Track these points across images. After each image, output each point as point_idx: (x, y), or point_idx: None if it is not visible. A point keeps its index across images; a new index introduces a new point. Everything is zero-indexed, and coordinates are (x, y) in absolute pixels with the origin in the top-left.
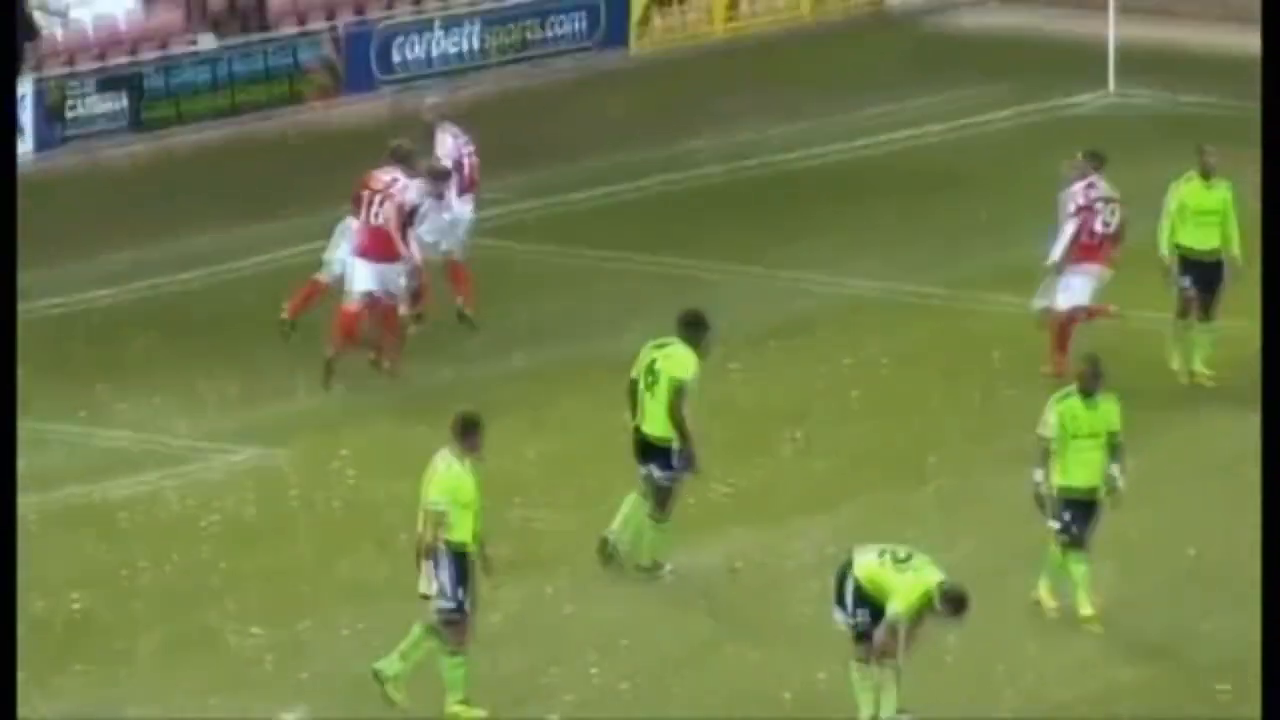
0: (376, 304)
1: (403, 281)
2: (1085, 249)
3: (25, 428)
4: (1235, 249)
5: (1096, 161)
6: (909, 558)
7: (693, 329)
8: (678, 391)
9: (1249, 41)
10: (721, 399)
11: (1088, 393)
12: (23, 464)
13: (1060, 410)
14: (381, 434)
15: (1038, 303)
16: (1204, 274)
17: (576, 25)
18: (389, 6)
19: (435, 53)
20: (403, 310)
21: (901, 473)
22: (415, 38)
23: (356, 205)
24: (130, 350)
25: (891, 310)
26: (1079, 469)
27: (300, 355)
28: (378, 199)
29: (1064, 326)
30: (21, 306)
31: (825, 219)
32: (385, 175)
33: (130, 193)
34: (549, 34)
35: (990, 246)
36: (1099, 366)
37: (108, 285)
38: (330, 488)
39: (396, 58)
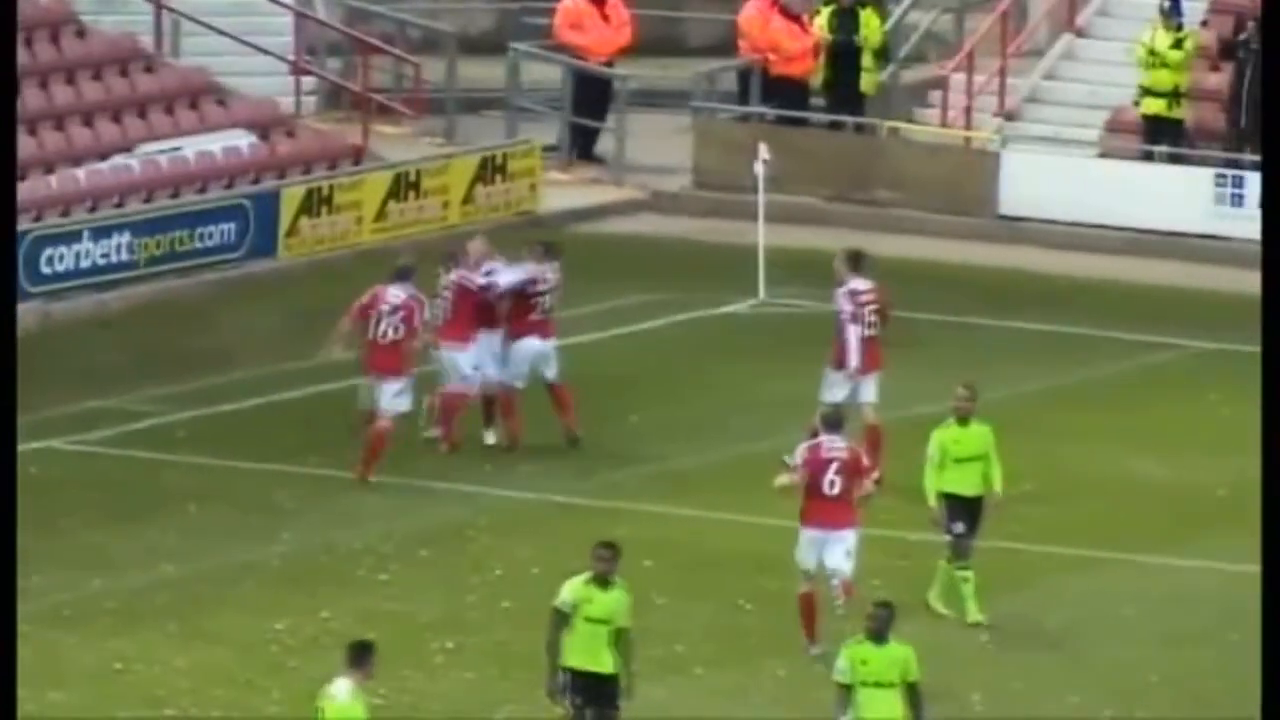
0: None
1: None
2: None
3: None
4: (997, 487)
5: (854, 263)
6: None
7: None
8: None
9: (899, 246)
10: (372, 609)
11: (878, 637)
12: None
13: (850, 655)
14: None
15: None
16: (972, 516)
17: (226, 234)
18: (37, 218)
19: (85, 262)
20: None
21: None
22: (64, 247)
23: (363, 319)
24: None
25: (545, 518)
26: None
27: None
28: (390, 315)
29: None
30: None
31: (478, 429)
32: (396, 292)
33: None
34: (199, 244)
35: (645, 453)
36: (890, 612)
37: None
38: None
39: (46, 268)
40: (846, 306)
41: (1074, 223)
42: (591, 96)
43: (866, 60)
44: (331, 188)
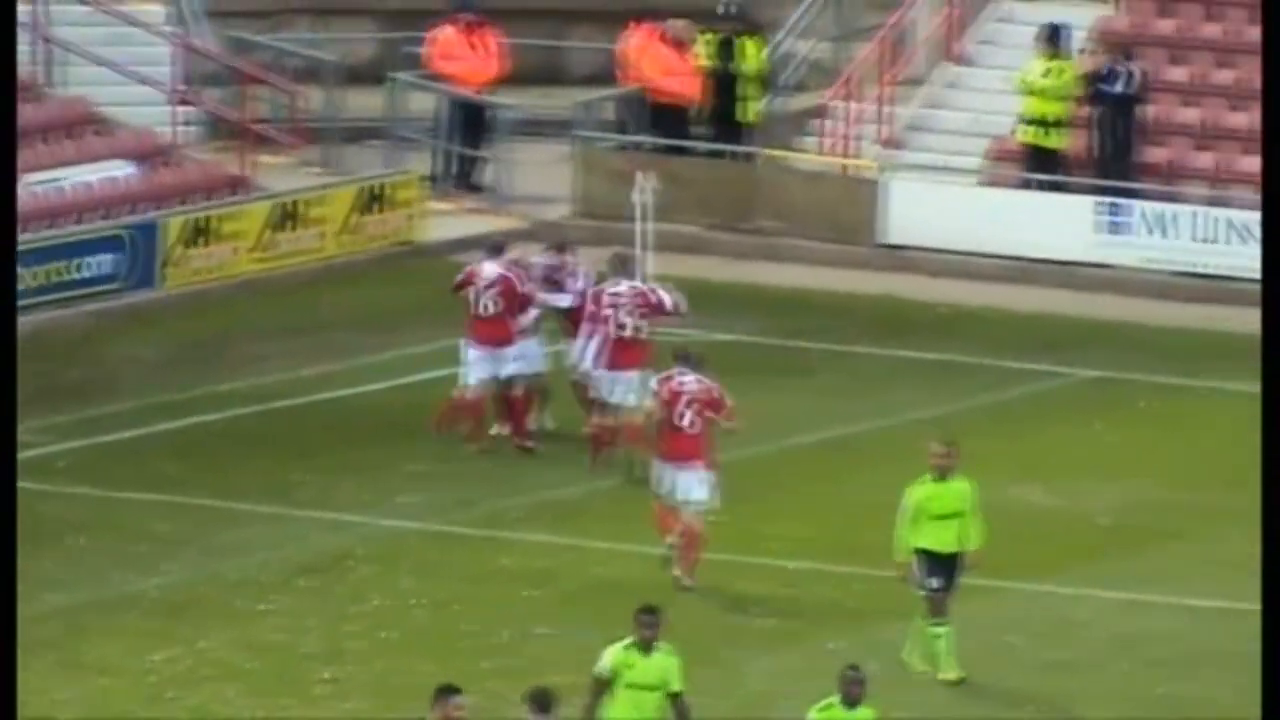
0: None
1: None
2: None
3: None
4: (977, 544)
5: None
6: None
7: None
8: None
9: (781, 274)
10: (252, 639)
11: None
12: None
13: (615, 657)
14: None
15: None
16: (948, 572)
17: (106, 265)
18: None
19: None
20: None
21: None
22: None
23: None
24: None
25: (426, 548)
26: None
27: None
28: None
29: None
30: None
31: (359, 459)
32: (491, 267)
33: None
34: (79, 274)
35: (527, 482)
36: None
37: None
38: None
39: None
40: (597, 306)
41: (956, 250)
42: (468, 125)
43: (747, 89)
44: (211, 218)
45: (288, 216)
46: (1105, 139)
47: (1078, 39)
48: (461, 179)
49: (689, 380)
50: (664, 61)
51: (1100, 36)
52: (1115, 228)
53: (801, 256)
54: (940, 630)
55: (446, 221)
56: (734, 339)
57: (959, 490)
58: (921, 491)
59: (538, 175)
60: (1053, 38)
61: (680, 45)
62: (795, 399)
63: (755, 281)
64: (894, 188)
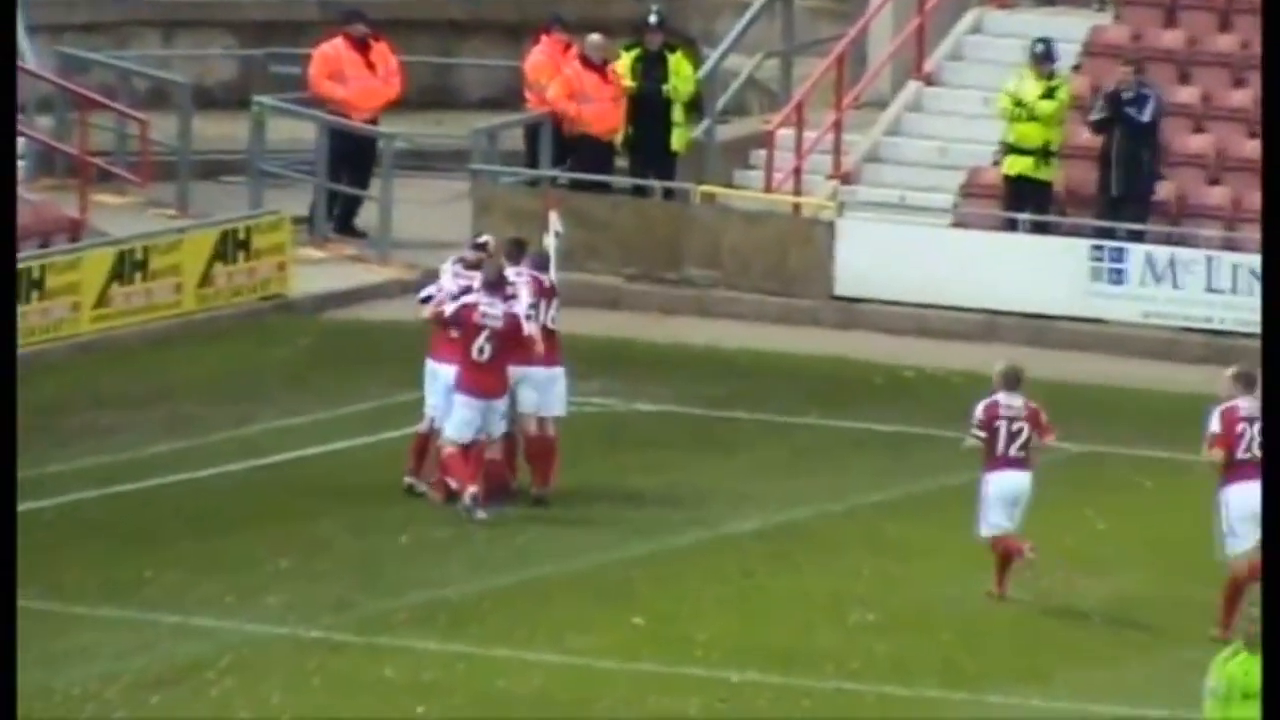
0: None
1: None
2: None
3: None
4: None
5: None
6: None
7: None
8: None
9: (715, 332)
10: None
11: None
12: None
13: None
14: None
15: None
16: None
17: None
18: None
19: None
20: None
21: None
22: None
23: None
24: None
25: (296, 656)
26: None
27: None
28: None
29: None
30: None
31: (218, 552)
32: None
33: None
34: None
35: (415, 578)
36: None
37: None
38: None
39: None
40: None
41: (922, 304)
42: (352, 159)
43: (676, 113)
44: (44, 269)
45: (134, 267)
46: (1120, 172)
47: (1067, 54)
48: (340, 221)
49: (495, 311)
50: (578, 84)
51: (1096, 50)
52: (1113, 276)
53: (739, 311)
54: None
55: (322, 271)
56: (658, 409)
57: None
58: (1235, 666)
59: (428, 217)
60: (1047, 53)
61: (599, 66)
62: (729, 479)
63: (683, 341)
64: (849, 229)
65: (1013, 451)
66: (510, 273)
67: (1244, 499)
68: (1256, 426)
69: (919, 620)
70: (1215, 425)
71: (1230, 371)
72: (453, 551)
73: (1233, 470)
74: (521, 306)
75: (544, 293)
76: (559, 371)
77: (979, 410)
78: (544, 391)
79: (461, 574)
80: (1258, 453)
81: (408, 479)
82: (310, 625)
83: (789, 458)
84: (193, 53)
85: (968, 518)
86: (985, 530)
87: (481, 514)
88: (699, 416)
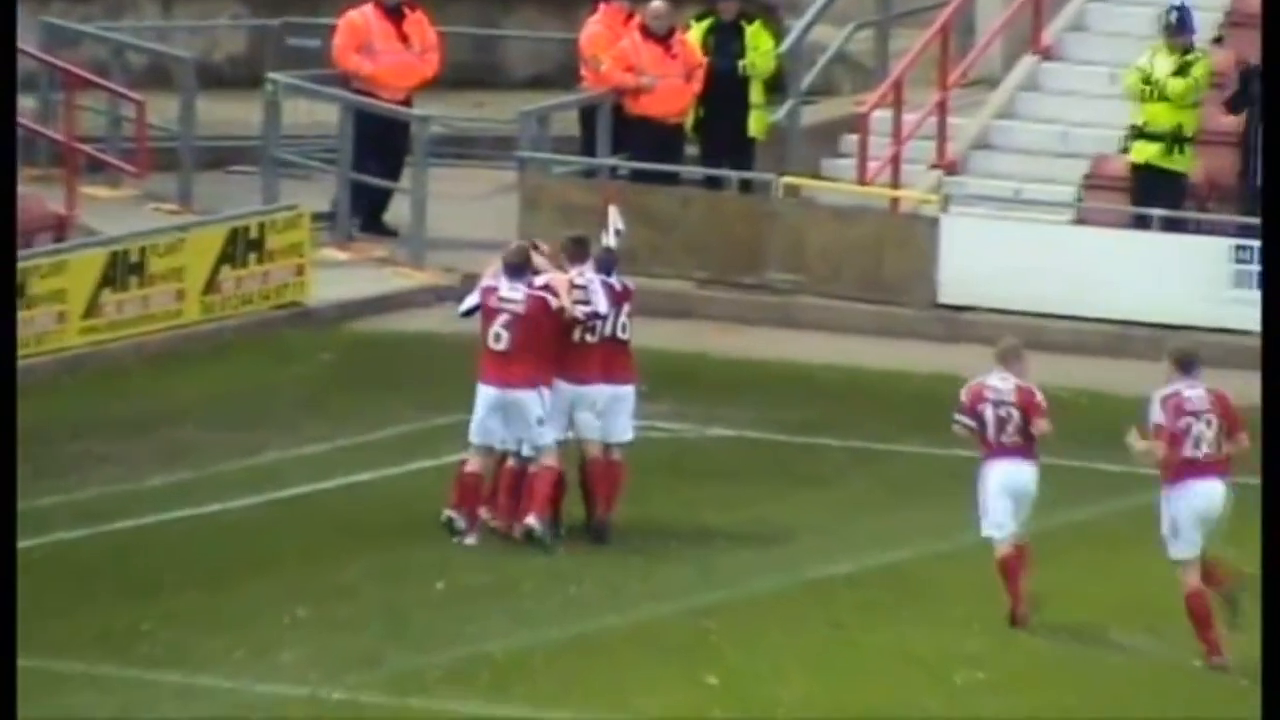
0: None
1: None
2: None
3: None
4: None
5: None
6: None
7: None
8: None
9: (799, 346)
10: None
11: None
12: None
13: None
14: None
15: None
16: None
17: None
18: None
19: None
20: None
21: None
22: None
23: None
24: None
25: (314, 718)
26: None
27: None
28: None
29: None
30: None
31: (227, 601)
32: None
33: None
34: None
35: (453, 631)
36: None
37: None
38: None
39: None
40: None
41: (1037, 313)
42: (381, 146)
43: (755, 93)
44: (25, 273)
45: (129, 270)
46: (1265, 160)
47: (1206, 23)
48: (368, 218)
49: (517, 295)
50: (635, 59)
51: (1240, 20)
52: (1259, 281)
53: (827, 322)
54: None
55: (346, 276)
56: (733, 434)
57: None
58: None
59: (468, 214)
60: (1182, 22)
61: (664, 39)
62: (816, 516)
63: (764, 356)
64: (955, 227)
65: (1004, 439)
66: (573, 273)
67: (1193, 501)
68: (1206, 421)
69: (1038, 680)
70: (1158, 415)
71: (1167, 351)
72: (495, 601)
73: (1180, 469)
74: (601, 306)
75: (618, 298)
76: (628, 390)
77: (963, 393)
78: (611, 415)
79: (506, 626)
80: (1207, 450)
81: (492, 521)
82: (332, 685)
83: (885, 492)
84: (197, 23)
85: (1099, 560)
86: (986, 530)
87: (471, 540)
88: (780, 444)
